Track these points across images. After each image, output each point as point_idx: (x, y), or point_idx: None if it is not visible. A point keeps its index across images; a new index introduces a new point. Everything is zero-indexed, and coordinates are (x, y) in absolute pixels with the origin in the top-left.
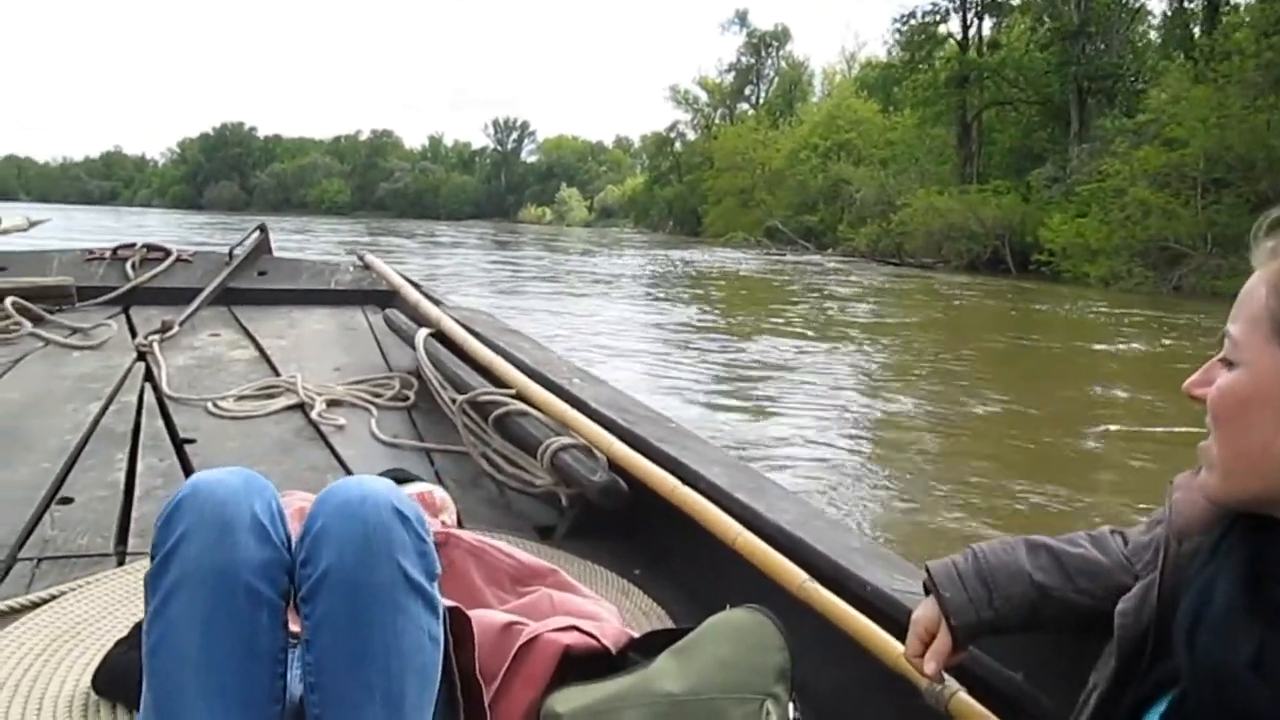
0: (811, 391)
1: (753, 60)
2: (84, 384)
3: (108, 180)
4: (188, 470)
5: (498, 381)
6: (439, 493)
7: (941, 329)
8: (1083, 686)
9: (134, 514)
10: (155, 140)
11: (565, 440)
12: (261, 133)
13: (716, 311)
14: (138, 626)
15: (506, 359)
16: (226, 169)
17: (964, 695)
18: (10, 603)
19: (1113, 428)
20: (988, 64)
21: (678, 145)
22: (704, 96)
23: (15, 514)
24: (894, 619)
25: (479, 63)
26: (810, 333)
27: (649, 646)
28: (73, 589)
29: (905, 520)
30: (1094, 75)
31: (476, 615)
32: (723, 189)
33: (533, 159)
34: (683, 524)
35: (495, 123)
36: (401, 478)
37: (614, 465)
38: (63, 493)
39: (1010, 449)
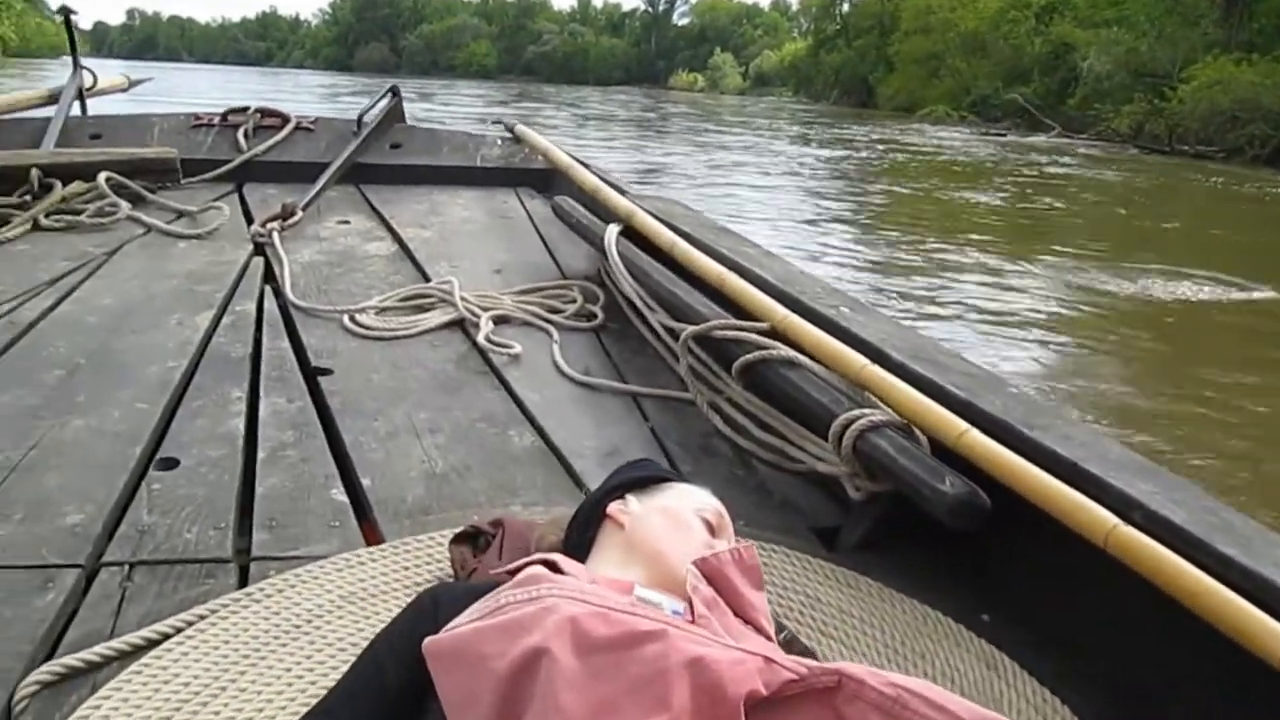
0: None
1: None
2: (191, 285)
3: (262, 41)
4: (325, 417)
5: (738, 309)
6: (718, 507)
7: None
8: None
9: (257, 488)
10: (308, 0)
11: (875, 415)
12: None
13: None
14: None
15: (743, 275)
16: (376, 30)
17: None
18: (92, 653)
19: None
20: None
21: (845, 7)
22: None
23: (103, 484)
24: None
25: None
26: None
27: None
28: (180, 628)
29: None
30: None
31: None
32: (908, 54)
33: (684, 21)
34: (1109, 572)
35: None
36: (650, 476)
37: (937, 448)
38: (163, 451)
39: None
